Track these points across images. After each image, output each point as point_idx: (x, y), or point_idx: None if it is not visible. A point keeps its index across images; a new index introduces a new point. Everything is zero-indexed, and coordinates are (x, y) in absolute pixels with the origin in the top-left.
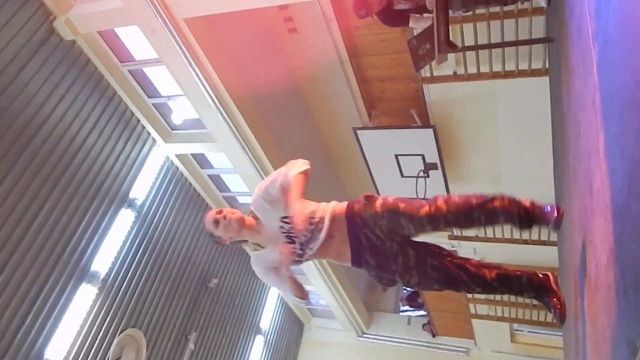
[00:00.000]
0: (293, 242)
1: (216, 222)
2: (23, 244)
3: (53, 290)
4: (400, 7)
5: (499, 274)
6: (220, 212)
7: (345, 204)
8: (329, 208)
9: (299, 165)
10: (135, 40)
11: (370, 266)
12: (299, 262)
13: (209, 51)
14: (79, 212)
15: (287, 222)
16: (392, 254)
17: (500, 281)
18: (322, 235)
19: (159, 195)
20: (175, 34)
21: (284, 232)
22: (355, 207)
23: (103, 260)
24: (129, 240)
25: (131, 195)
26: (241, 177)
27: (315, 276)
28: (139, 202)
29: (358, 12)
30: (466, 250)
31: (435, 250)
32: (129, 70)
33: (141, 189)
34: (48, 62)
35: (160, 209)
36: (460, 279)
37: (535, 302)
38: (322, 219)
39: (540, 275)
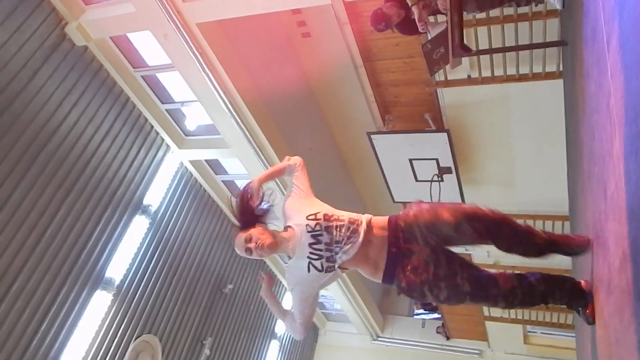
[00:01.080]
0: (318, 243)
1: (248, 251)
2: (38, 250)
3: (68, 297)
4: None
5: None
6: (249, 239)
7: (385, 217)
8: (367, 216)
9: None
10: (148, 46)
11: (402, 276)
12: (331, 267)
13: (222, 56)
14: (93, 218)
15: (312, 219)
16: (425, 262)
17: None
18: (360, 238)
19: (173, 202)
20: (188, 39)
21: (309, 232)
22: (399, 214)
23: (118, 266)
24: (144, 246)
25: (145, 201)
26: None
27: None
28: (153, 209)
29: (377, 26)
30: (480, 253)
31: (465, 263)
32: (142, 76)
33: (155, 195)
34: (60, 67)
35: (174, 215)
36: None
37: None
38: (359, 222)
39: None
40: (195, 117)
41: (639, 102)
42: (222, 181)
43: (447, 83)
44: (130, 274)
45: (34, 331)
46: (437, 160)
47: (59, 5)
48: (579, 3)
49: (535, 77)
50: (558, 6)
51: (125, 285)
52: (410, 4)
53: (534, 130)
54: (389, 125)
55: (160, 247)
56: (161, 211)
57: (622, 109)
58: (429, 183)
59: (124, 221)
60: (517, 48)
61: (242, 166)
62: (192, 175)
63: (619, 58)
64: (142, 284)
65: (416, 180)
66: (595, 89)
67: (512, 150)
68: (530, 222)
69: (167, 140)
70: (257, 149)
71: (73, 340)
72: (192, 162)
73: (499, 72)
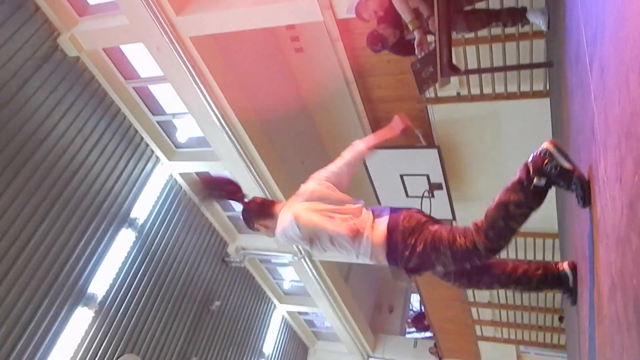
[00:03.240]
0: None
1: (257, 230)
2: (18, 262)
3: (48, 313)
4: (411, 37)
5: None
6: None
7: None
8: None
9: None
10: (141, 57)
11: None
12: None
13: (215, 69)
14: (77, 231)
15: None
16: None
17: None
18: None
19: (161, 215)
20: (181, 52)
21: None
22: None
23: (101, 282)
24: (129, 261)
25: (132, 214)
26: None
27: (320, 297)
28: (140, 222)
29: (373, 47)
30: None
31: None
32: (133, 88)
33: (143, 208)
34: (51, 78)
35: (162, 229)
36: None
37: (540, 324)
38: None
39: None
40: (186, 129)
41: (622, 126)
42: None
43: (437, 100)
44: (114, 290)
45: (10, 348)
46: (427, 176)
47: (52, 16)
48: (562, 25)
49: (524, 95)
50: (543, 28)
51: (107, 301)
52: (411, 28)
53: (523, 147)
54: None
55: (145, 262)
56: (148, 224)
57: (606, 136)
58: (420, 199)
59: (109, 234)
60: (505, 69)
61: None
62: (181, 187)
63: (601, 81)
64: (126, 300)
65: (407, 196)
66: (579, 110)
67: (502, 167)
68: (520, 240)
69: (157, 152)
70: (248, 162)
71: (51, 359)
72: (182, 174)
73: (487, 90)
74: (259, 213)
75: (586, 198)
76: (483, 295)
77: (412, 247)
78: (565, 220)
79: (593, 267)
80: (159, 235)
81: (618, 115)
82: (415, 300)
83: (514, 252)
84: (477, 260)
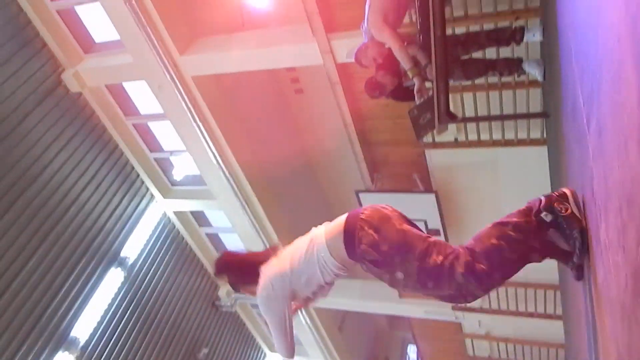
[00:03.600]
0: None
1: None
2: (0, 303)
3: (26, 358)
4: (409, 84)
5: None
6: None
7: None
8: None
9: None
10: (142, 94)
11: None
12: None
13: (215, 109)
14: (65, 270)
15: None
16: None
17: None
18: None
19: (153, 254)
20: (182, 91)
21: None
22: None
23: (85, 325)
24: (116, 303)
25: (123, 253)
26: (239, 236)
27: (313, 347)
28: (130, 261)
29: (372, 93)
30: (471, 322)
31: None
32: (133, 124)
33: (134, 247)
34: (52, 112)
35: (152, 269)
36: None
37: None
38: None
39: None
40: (183, 167)
41: (623, 192)
42: (206, 234)
43: (435, 145)
44: (97, 334)
45: None
46: (425, 222)
47: (58, 53)
48: (558, 77)
49: (521, 143)
50: (539, 78)
51: (90, 346)
52: (411, 76)
53: (522, 195)
54: (377, 183)
55: (133, 304)
56: (138, 264)
57: (606, 198)
58: None
59: (97, 274)
60: (502, 117)
61: (226, 219)
62: (174, 226)
63: (599, 141)
64: (109, 346)
65: None
66: (578, 167)
67: (501, 215)
68: (521, 291)
69: (152, 189)
70: (244, 202)
71: None
72: (176, 213)
73: (485, 136)
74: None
75: (583, 252)
76: (483, 348)
77: (374, 242)
78: (565, 276)
79: (596, 334)
80: (148, 276)
81: (618, 180)
82: (412, 352)
83: (514, 304)
84: (446, 287)
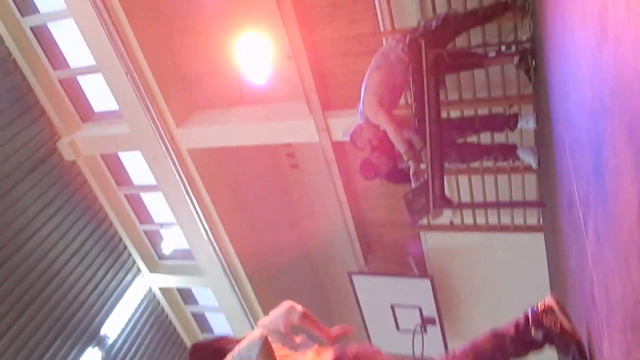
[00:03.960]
0: None
1: None
2: None
3: None
4: (403, 167)
5: None
6: None
7: None
8: None
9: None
10: (136, 164)
11: None
12: None
13: (209, 183)
14: (39, 349)
15: None
16: None
17: None
18: None
19: (134, 333)
20: (177, 163)
21: None
22: None
23: None
24: None
25: (103, 331)
26: (226, 316)
27: None
28: (109, 341)
29: (366, 175)
30: None
31: None
32: (125, 195)
33: (115, 324)
34: (44, 180)
35: (132, 350)
36: None
37: None
38: None
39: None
40: (172, 240)
41: (626, 311)
42: (191, 312)
43: (430, 227)
44: None
45: None
46: (420, 308)
47: (56, 120)
48: (552, 167)
49: (517, 228)
50: (534, 165)
51: None
52: (406, 159)
53: (520, 284)
54: (371, 265)
55: None
56: (118, 344)
57: (608, 312)
58: (412, 334)
59: (73, 355)
60: (497, 205)
61: (214, 298)
62: (159, 303)
63: (598, 248)
64: None
65: (398, 329)
66: (577, 269)
67: (499, 304)
68: None
69: (139, 262)
70: (233, 281)
71: None
72: (161, 289)
73: (481, 220)
74: None
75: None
76: None
77: None
78: None
79: None
80: (128, 357)
81: (620, 297)
82: None
83: None
84: None
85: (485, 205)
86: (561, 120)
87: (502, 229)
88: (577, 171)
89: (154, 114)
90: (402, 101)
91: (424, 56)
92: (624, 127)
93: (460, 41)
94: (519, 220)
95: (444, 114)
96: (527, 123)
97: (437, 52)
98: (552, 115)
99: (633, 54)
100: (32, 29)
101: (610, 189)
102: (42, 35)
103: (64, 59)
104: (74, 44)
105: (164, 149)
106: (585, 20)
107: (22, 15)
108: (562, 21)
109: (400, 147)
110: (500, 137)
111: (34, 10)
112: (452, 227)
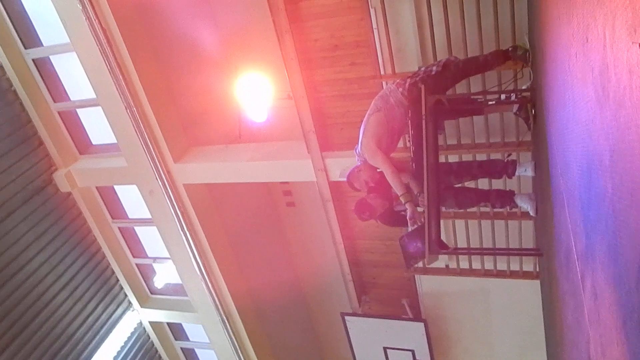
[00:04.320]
0: None
1: None
2: None
3: None
4: (399, 209)
5: None
6: None
7: None
8: None
9: None
10: (131, 198)
11: None
12: None
13: (204, 218)
14: None
15: None
16: None
17: None
18: None
19: None
20: (172, 198)
21: None
22: None
23: None
24: None
25: None
26: (216, 353)
27: None
28: None
29: (361, 215)
30: None
31: None
32: (119, 227)
33: (104, 357)
34: (38, 211)
35: None
36: None
37: None
38: None
39: None
40: (165, 275)
41: None
42: (181, 349)
43: (426, 270)
44: None
45: None
46: (413, 352)
47: (53, 152)
48: (550, 216)
49: (513, 275)
50: (531, 213)
51: None
52: (403, 202)
53: (515, 330)
54: (364, 307)
55: None
56: None
57: None
58: None
59: None
60: (494, 251)
61: (205, 334)
62: (149, 338)
63: (595, 306)
64: None
65: None
66: (573, 323)
67: (492, 350)
68: None
69: (131, 296)
70: (224, 317)
71: None
72: (152, 323)
73: (477, 265)
74: None
75: None
76: None
77: None
78: None
79: None
80: None
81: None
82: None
83: None
84: None
85: (482, 252)
86: (560, 172)
87: (498, 274)
88: (576, 226)
89: (152, 149)
90: (400, 144)
91: (424, 101)
92: (625, 190)
93: (460, 87)
94: (515, 267)
95: (442, 159)
96: (526, 171)
97: (437, 97)
98: (550, 164)
99: (634, 119)
100: (34, 61)
101: (609, 251)
102: (44, 67)
103: (65, 91)
104: (75, 76)
105: (160, 184)
106: (585, 77)
107: (26, 48)
108: (563, 74)
109: (397, 190)
110: (498, 183)
111: (38, 43)
112: (447, 270)
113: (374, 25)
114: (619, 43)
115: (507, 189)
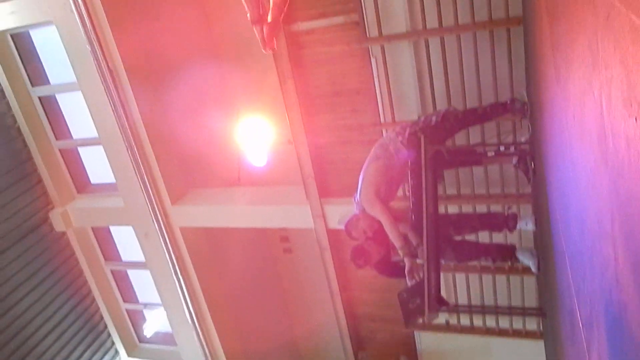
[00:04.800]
0: None
1: None
2: None
3: None
4: (397, 259)
5: None
6: None
7: None
8: None
9: None
10: (125, 239)
11: None
12: None
13: (199, 264)
14: None
15: None
16: None
17: None
18: None
19: None
20: (168, 241)
21: None
22: None
23: None
24: None
25: None
26: None
27: None
28: None
29: (356, 261)
30: None
31: None
32: (111, 270)
33: None
34: (31, 250)
35: None
36: None
37: None
38: None
39: None
40: (155, 322)
41: None
42: None
43: (424, 326)
44: None
45: None
46: None
47: (51, 190)
48: (552, 275)
49: (516, 334)
50: (533, 269)
51: None
52: (401, 255)
53: None
54: None
55: None
56: None
57: None
58: None
59: None
60: (496, 310)
61: None
62: None
63: None
64: None
65: None
66: None
67: None
68: None
69: (118, 344)
70: None
71: None
72: None
73: (478, 322)
74: None
75: None
76: None
77: None
78: None
79: None
80: None
81: None
82: None
83: None
84: None
85: (483, 310)
86: (561, 231)
87: (501, 333)
88: (579, 292)
89: (150, 190)
90: (399, 193)
91: (423, 151)
92: (629, 263)
93: (459, 138)
94: (518, 325)
95: (441, 209)
96: (527, 225)
97: (436, 147)
98: (551, 220)
99: (634, 189)
100: (40, 98)
101: (614, 322)
102: (49, 105)
103: (68, 129)
104: (78, 115)
105: (157, 226)
106: (584, 141)
107: (33, 85)
108: (561, 133)
109: (395, 241)
110: (498, 236)
111: (45, 81)
112: (448, 327)
113: (375, 74)
114: (616, 113)
115: (508, 243)
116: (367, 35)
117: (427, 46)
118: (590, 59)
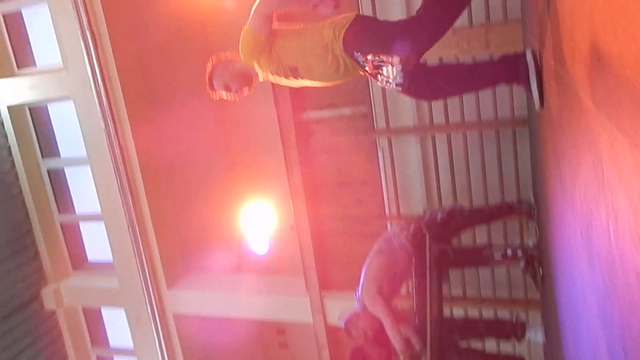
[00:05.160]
0: None
1: None
2: None
3: None
4: None
5: None
6: None
7: None
8: None
9: None
10: (115, 323)
11: None
12: None
13: (189, 354)
14: None
15: None
16: None
17: None
18: None
19: None
20: (159, 328)
21: None
22: None
23: None
24: None
25: None
26: None
27: None
28: None
29: None
30: None
31: None
32: (97, 356)
33: None
34: (18, 328)
35: None
36: None
37: None
38: None
39: None
40: None
41: None
42: None
43: None
44: None
45: None
46: None
47: (46, 265)
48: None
49: None
50: (540, 340)
51: None
52: (401, 359)
53: None
54: None
55: None
56: None
57: None
58: None
59: None
60: None
61: None
62: None
63: None
64: None
65: None
66: None
67: None
68: None
69: None
70: None
71: None
72: None
73: None
74: None
75: None
76: None
77: None
78: None
79: None
80: None
81: None
82: None
83: None
84: None
85: None
86: (572, 348)
87: None
88: None
89: (147, 271)
90: (403, 290)
91: (428, 250)
92: None
93: (466, 237)
94: None
95: (446, 312)
96: (536, 335)
97: (442, 247)
98: (562, 334)
99: None
100: (48, 170)
101: None
102: (56, 177)
103: (72, 203)
104: (83, 189)
105: (149, 311)
106: (593, 263)
107: (43, 157)
108: (570, 249)
109: (396, 344)
110: (506, 346)
111: (56, 153)
112: None
113: (381, 165)
114: (624, 245)
115: (517, 355)
116: (375, 127)
117: (434, 141)
118: (596, 183)
